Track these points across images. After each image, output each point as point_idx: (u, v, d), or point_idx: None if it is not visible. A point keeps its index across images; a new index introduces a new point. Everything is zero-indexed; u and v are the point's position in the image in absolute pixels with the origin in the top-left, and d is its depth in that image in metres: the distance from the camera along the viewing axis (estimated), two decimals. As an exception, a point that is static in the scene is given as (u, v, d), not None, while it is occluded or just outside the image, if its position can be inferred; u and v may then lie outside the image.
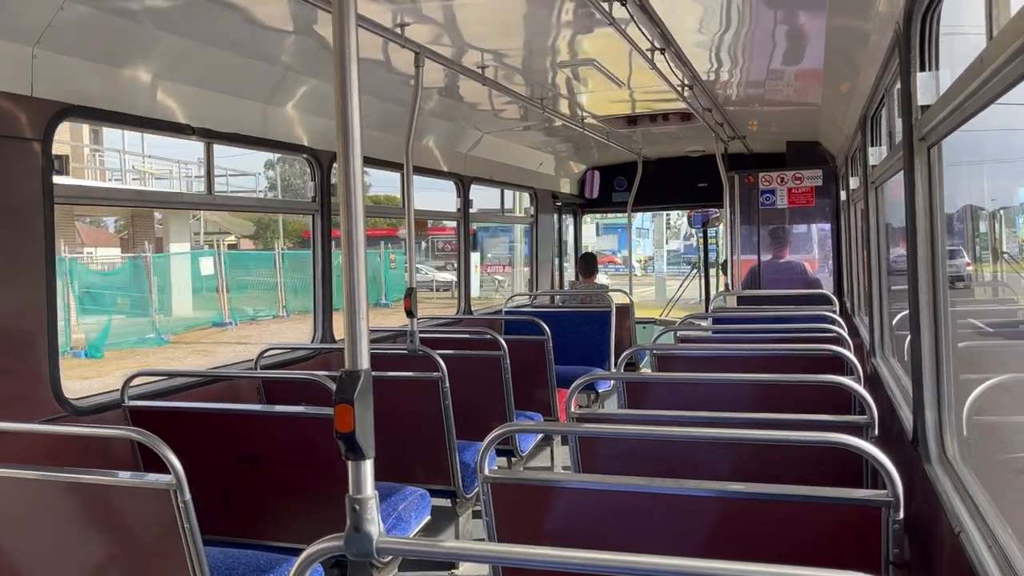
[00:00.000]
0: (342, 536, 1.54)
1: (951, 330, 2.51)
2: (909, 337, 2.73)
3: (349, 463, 1.54)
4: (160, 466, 2.30)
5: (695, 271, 11.82)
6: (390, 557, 3.37)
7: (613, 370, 6.81)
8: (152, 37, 3.61)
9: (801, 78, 5.50)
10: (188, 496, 2.29)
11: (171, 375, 4.20)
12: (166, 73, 3.80)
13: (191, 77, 3.96)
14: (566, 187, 9.77)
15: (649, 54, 4.40)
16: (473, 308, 7.84)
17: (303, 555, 1.54)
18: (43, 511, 2.55)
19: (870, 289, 4.95)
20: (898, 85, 2.94)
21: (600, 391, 7.27)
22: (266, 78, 4.43)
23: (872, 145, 4.56)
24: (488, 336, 4.95)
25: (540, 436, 5.59)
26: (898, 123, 3.14)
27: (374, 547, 1.53)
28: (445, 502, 4.44)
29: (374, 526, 1.53)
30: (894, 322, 4.58)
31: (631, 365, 7.62)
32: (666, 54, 4.49)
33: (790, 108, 6.60)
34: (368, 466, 1.54)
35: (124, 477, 2.46)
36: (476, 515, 4.74)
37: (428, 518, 3.92)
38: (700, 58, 4.87)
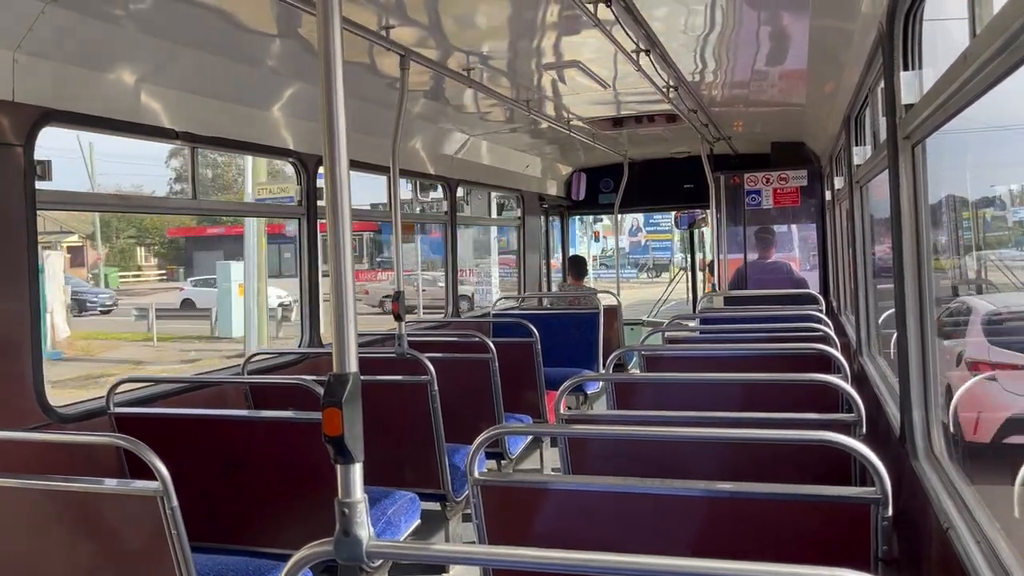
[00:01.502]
0: (331, 541, 1.53)
1: (936, 328, 2.53)
2: (895, 335, 2.75)
3: (338, 467, 1.53)
4: (147, 473, 2.28)
5: (680, 274, 11.72)
6: (380, 561, 3.35)
7: (602, 371, 6.82)
8: (135, 41, 3.58)
9: (785, 78, 5.53)
10: (175, 503, 2.27)
11: (157, 381, 4.17)
12: (149, 77, 3.77)
13: (175, 81, 3.93)
14: (553, 189, 9.78)
15: (634, 55, 4.41)
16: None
17: (292, 560, 1.53)
18: (29, 520, 2.52)
19: (856, 288, 4.97)
20: (882, 84, 2.96)
21: (589, 393, 7.28)
22: (250, 82, 4.41)
23: (856, 144, 4.59)
24: (476, 339, 4.94)
25: (530, 438, 5.59)
26: (882, 122, 3.16)
27: (364, 551, 1.52)
28: (435, 506, 4.43)
29: (364, 530, 1.52)
30: (880, 320, 4.60)
31: (619, 366, 7.63)
32: (651, 55, 4.50)
33: (775, 109, 6.64)
34: (357, 470, 1.54)
35: (111, 484, 2.44)
36: (466, 519, 4.73)
37: (418, 522, 3.91)
38: (685, 59, 4.89)
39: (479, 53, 4.59)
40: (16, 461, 2.78)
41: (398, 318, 4.36)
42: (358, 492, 1.53)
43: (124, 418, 3.46)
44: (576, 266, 8.93)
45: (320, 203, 5.13)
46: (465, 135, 7.13)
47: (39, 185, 3.27)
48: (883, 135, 3.06)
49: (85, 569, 2.54)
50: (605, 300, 8.15)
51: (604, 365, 7.07)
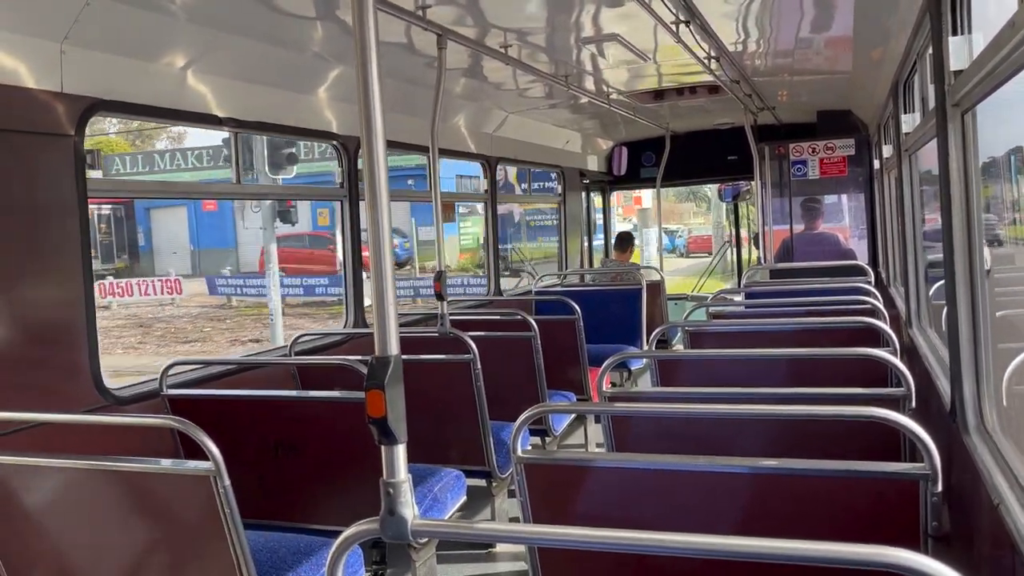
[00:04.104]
0: (378, 519, 1.56)
1: (989, 299, 2.47)
2: (945, 307, 2.69)
3: (382, 448, 1.56)
4: (199, 453, 2.34)
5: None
6: (426, 539, 3.41)
7: (645, 348, 6.79)
8: (177, 29, 3.63)
9: (831, 46, 5.39)
10: (227, 481, 2.33)
11: (207, 363, 4.27)
12: (193, 64, 3.83)
13: (217, 67, 3.98)
14: (593, 164, 9.71)
15: (674, 27, 4.34)
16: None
17: (340, 538, 1.57)
18: (88, 499, 2.61)
19: (905, 258, 4.87)
20: (930, 50, 2.87)
21: (633, 369, 7.26)
22: (291, 65, 4.45)
23: (905, 112, 4.47)
24: (519, 317, 4.95)
25: (573, 416, 5.60)
26: (931, 89, 3.08)
27: (408, 530, 1.55)
28: (481, 483, 4.48)
29: (408, 509, 1.55)
30: (931, 292, 4.51)
31: (663, 342, 7.58)
32: (691, 26, 4.43)
33: (820, 77, 6.48)
34: (400, 450, 1.56)
35: (165, 464, 2.51)
36: (512, 495, 4.77)
37: (464, 499, 3.95)
38: (726, 29, 4.80)
39: (517, 30, 4.55)
40: (74, 443, 2.88)
41: (440, 297, 4.39)
42: (402, 472, 1.55)
43: (177, 399, 3.55)
44: (621, 241, 8.88)
45: (362, 185, 5.18)
46: (504, 112, 7.10)
47: (89, 174, 3.35)
48: (932, 102, 2.98)
49: (143, 546, 2.62)
50: (648, 276, 8.10)
51: (648, 341, 7.05)
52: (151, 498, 2.56)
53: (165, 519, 2.57)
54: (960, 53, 2.38)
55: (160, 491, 2.54)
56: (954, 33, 2.44)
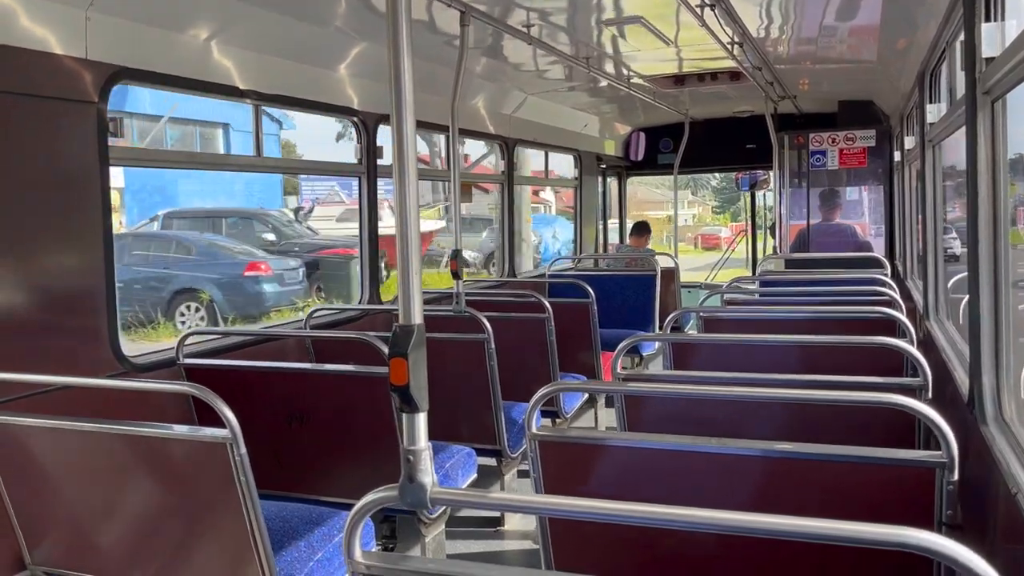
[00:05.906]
0: (397, 487, 1.57)
1: (1011, 291, 2.45)
2: (967, 298, 2.67)
3: (404, 415, 1.57)
4: (215, 422, 2.36)
5: None
6: (439, 512, 3.43)
7: (658, 333, 6.78)
8: (204, 0, 3.63)
9: (856, 34, 5.34)
10: (243, 449, 2.34)
11: (224, 334, 4.29)
12: (216, 36, 3.83)
13: (240, 39, 3.98)
14: (610, 149, 9.67)
15: (698, 10, 4.31)
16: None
17: (358, 504, 1.57)
18: (105, 463, 2.63)
19: (925, 250, 4.84)
20: (960, 38, 2.84)
21: (645, 355, 7.25)
22: (313, 40, 4.44)
23: (931, 102, 4.43)
24: (533, 299, 4.96)
25: (584, 398, 5.60)
26: (959, 79, 3.04)
27: (428, 497, 1.56)
28: (490, 461, 4.50)
29: (428, 477, 1.56)
30: (949, 285, 4.48)
31: (676, 329, 7.57)
32: (715, 10, 4.39)
33: (843, 66, 6.42)
34: (422, 418, 1.57)
35: (182, 431, 2.53)
36: (521, 475, 4.79)
37: (474, 476, 3.98)
38: (750, 14, 4.76)
39: (540, 9, 4.53)
40: (92, 407, 2.90)
41: (456, 276, 4.39)
42: (422, 440, 1.56)
43: (193, 369, 3.58)
44: (638, 228, 8.87)
45: (380, 161, 5.17)
46: (523, 93, 7.08)
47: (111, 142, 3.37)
48: (959, 92, 2.95)
49: (158, 510, 2.65)
50: (662, 262, 8.08)
51: (660, 327, 7.03)
52: (167, 464, 2.58)
53: (180, 485, 2.59)
54: (992, 40, 2.36)
55: (176, 457, 2.57)
56: (987, 19, 2.41)
